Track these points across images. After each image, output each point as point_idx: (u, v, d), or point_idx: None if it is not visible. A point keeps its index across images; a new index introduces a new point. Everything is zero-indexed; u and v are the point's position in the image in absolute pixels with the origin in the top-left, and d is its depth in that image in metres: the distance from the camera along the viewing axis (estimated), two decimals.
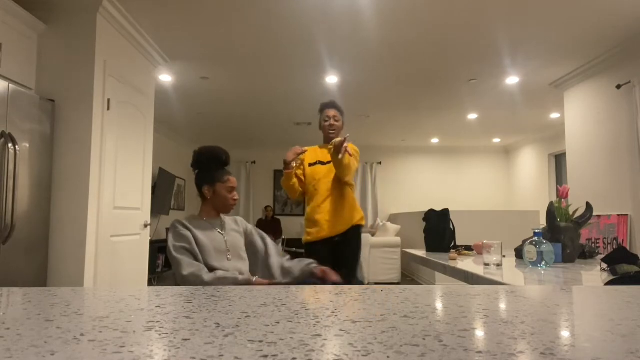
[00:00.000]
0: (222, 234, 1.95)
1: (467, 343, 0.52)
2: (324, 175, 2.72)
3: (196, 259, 1.82)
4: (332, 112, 2.78)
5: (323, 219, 2.66)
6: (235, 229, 2.06)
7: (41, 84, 3.09)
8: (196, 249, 1.84)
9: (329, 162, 2.72)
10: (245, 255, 2.00)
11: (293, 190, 2.76)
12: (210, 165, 1.99)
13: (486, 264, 1.85)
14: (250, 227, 2.14)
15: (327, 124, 2.78)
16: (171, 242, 1.84)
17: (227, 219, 2.06)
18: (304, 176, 2.79)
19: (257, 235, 2.11)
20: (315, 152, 2.83)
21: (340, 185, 2.69)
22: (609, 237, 4.11)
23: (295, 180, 2.74)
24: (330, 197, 2.68)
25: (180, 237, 1.85)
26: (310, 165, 2.78)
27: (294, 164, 2.66)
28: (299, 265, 1.99)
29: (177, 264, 1.79)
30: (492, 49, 4.12)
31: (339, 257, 2.68)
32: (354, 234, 2.70)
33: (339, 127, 2.78)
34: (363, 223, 2.76)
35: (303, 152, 2.66)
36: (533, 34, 3.80)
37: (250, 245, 2.07)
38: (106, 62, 3.23)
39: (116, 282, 3.43)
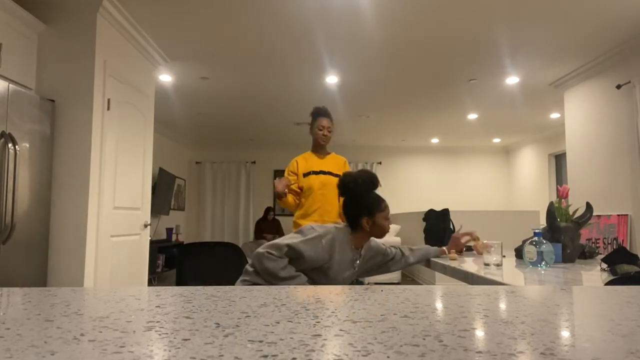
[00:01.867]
0: (355, 272, 1.91)
1: (467, 343, 0.52)
2: (317, 187, 2.81)
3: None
4: (326, 122, 2.89)
5: None
6: (363, 261, 1.97)
7: (41, 84, 3.09)
8: (298, 264, 1.72)
9: (321, 173, 2.83)
10: None
11: (291, 207, 2.88)
12: (368, 193, 1.87)
13: (486, 264, 1.85)
14: (382, 247, 2.05)
15: (321, 133, 2.88)
16: (305, 239, 1.70)
17: (364, 247, 1.97)
18: (299, 187, 2.88)
19: (385, 249, 2.06)
20: (306, 161, 2.91)
21: (330, 199, 2.78)
22: (609, 237, 4.11)
23: (290, 199, 2.84)
24: (318, 209, 2.78)
25: (316, 250, 1.71)
26: (304, 175, 2.87)
27: (286, 190, 2.75)
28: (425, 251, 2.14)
29: (277, 248, 1.67)
30: (492, 49, 4.12)
31: None
32: None
33: (329, 139, 2.90)
34: None
35: (291, 184, 2.78)
36: (533, 34, 3.80)
37: (377, 260, 2.04)
38: (106, 62, 3.23)
39: (116, 282, 3.43)
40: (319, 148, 2.93)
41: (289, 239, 1.72)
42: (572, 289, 0.99)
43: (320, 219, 2.77)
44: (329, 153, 2.97)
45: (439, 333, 0.57)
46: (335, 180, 2.79)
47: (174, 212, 7.93)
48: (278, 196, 2.75)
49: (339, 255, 1.79)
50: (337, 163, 2.92)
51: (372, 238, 1.97)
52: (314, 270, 1.77)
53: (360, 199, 1.87)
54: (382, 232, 1.90)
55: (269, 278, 1.68)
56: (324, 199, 2.79)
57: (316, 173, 2.85)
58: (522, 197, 8.78)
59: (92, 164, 3.09)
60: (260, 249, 1.69)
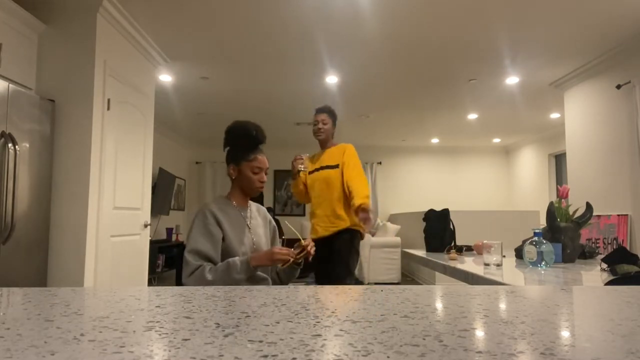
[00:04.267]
0: (251, 233, 1.83)
1: (467, 343, 0.52)
2: (317, 183, 2.87)
3: (214, 260, 1.69)
4: (320, 117, 2.93)
5: (315, 224, 2.86)
6: (260, 222, 1.92)
7: (41, 84, 3.09)
8: (218, 253, 1.70)
9: (320, 169, 2.88)
10: None
11: (300, 195, 3.00)
12: (239, 142, 1.83)
13: (486, 264, 1.85)
14: (274, 223, 2.02)
15: (314, 127, 2.94)
16: (193, 238, 1.69)
17: (253, 207, 1.93)
18: (306, 184, 2.99)
19: (277, 237, 2.01)
20: (312, 159, 2.97)
21: (328, 193, 2.81)
22: (609, 237, 4.11)
23: (302, 187, 2.96)
24: (321, 204, 2.83)
25: (206, 236, 1.70)
26: (309, 173, 2.95)
27: (301, 167, 2.77)
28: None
29: (185, 265, 1.67)
30: (492, 49, 4.12)
31: (324, 258, 2.75)
32: (339, 239, 2.76)
33: (326, 130, 2.91)
34: (353, 228, 2.79)
35: (300, 158, 2.78)
36: (533, 34, 3.80)
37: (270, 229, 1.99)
38: (106, 62, 3.23)
39: (116, 282, 3.43)
40: (320, 144, 2.98)
41: (189, 246, 1.69)
42: (572, 289, 0.99)
43: (325, 215, 2.79)
44: (330, 147, 2.94)
45: (439, 333, 0.57)
46: (332, 172, 2.82)
47: (174, 212, 7.93)
48: (292, 175, 2.88)
49: (225, 220, 1.75)
50: (333, 154, 2.86)
51: (263, 208, 1.98)
52: (229, 245, 1.74)
53: (230, 146, 1.86)
54: (249, 185, 1.83)
55: (209, 284, 1.64)
56: (324, 195, 2.81)
57: (317, 170, 2.88)
58: (522, 197, 8.78)
59: (92, 164, 3.09)
60: (183, 281, 1.67)
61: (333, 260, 2.75)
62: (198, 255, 1.68)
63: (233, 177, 1.85)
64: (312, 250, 1.75)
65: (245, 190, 1.86)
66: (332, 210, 2.78)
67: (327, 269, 2.76)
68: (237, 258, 1.68)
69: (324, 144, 2.96)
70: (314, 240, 2.75)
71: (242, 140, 1.83)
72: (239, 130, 1.84)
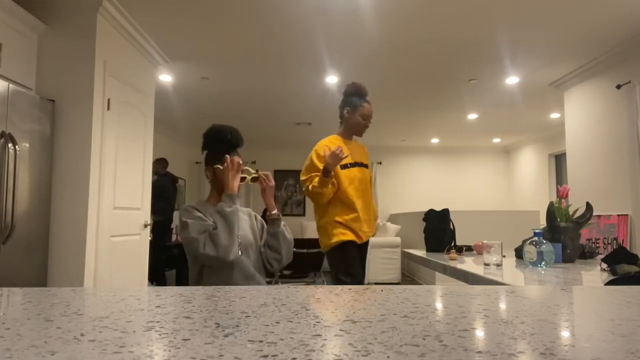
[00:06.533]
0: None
1: (467, 343, 0.52)
2: (357, 182, 2.56)
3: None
4: (371, 112, 2.72)
5: (357, 229, 2.52)
6: (244, 217, 1.92)
7: (41, 84, 3.09)
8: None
9: (354, 165, 2.60)
10: (253, 253, 1.88)
11: (327, 196, 2.48)
12: (214, 145, 1.86)
13: (486, 264, 1.86)
14: (262, 222, 2.02)
15: (364, 123, 2.68)
16: (188, 227, 1.71)
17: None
18: (336, 178, 2.52)
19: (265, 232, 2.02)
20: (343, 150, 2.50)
21: (369, 194, 2.66)
22: (609, 237, 4.11)
23: (330, 187, 2.46)
24: (361, 206, 2.55)
25: (197, 219, 1.75)
26: (342, 167, 2.52)
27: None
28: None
29: (195, 243, 1.66)
30: (492, 49, 4.12)
31: (363, 259, 2.70)
32: (367, 244, 2.71)
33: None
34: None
35: (345, 157, 2.41)
36: (533, 34, 3.80)
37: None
38: (106, 62, 3.23)
39: (116, 282, 3.43)
40: (349, 134, 2.71)
41: (191, 233, 1.72)
42: (572, 289, 0.99)
43: (368, 220, 2.59)
44: (355, 141, 2.78)
45: (439, 333, 0.57)
46: (368, 172, 2.69)
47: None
48: (326, 173, 2.35)
49: (205, 212, 1.80)
50: (362, 153, 2.72)
51: (253, 212, 2.02)
52: None
53: (206, 149, 1.90)
54: (222, 188, 1.84)
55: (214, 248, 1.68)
56: (366, 197, 2.61)
57: (353, 165, 2.59)
58: (522, 197, 8.78)
59: (92, 164, 3.09)
60: (192, 237, 1.70)
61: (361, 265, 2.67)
62: (201, 233, 1.71)
63: (209, 180, 1.89)
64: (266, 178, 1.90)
65: (219, 191, 1.87)
66: (374, 214, 2.65)
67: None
68: (219, 203, 1.76)
69: (352, 134, 2.73)
70: (358, 244, 2.57)
71: (217, 144, 1.86)
72: (214, 134, 1.87)
